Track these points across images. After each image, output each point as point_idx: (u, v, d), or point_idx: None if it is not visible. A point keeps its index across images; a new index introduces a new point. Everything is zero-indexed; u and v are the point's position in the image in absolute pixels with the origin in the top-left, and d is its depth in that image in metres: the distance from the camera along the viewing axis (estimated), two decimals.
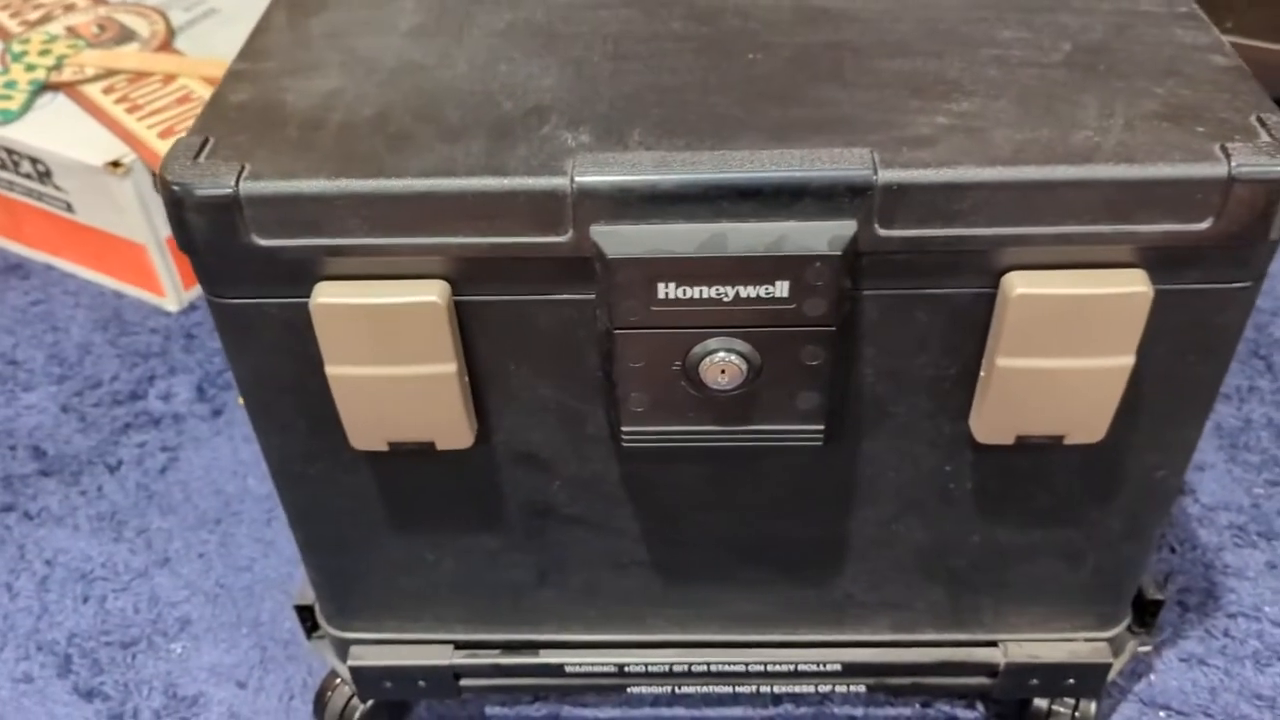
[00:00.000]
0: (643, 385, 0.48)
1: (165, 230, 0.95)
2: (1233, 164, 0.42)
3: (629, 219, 0.44)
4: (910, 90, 0.48)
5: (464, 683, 0.64)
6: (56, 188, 0.98)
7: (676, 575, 0.60)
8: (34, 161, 0.97)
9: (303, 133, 0.47)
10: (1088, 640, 0.62)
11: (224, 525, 0.83)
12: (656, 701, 0.71)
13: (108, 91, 1.00)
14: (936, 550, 0.58)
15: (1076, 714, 0.67)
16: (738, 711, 0.71)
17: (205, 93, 1.00)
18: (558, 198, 0.44)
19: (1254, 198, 0.43)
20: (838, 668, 0.62)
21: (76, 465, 0.88)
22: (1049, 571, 0.58)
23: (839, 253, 0.43)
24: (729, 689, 0.64)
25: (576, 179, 0.44)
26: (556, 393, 0.51)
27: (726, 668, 0.63)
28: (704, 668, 0.63)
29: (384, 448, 0.51)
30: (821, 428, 0.49)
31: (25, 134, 0.96)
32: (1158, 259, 0.45)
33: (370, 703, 0.69)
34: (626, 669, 0.63)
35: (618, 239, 0.44)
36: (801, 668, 0.63)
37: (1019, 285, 0.45)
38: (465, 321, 0.48)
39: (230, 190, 0.44)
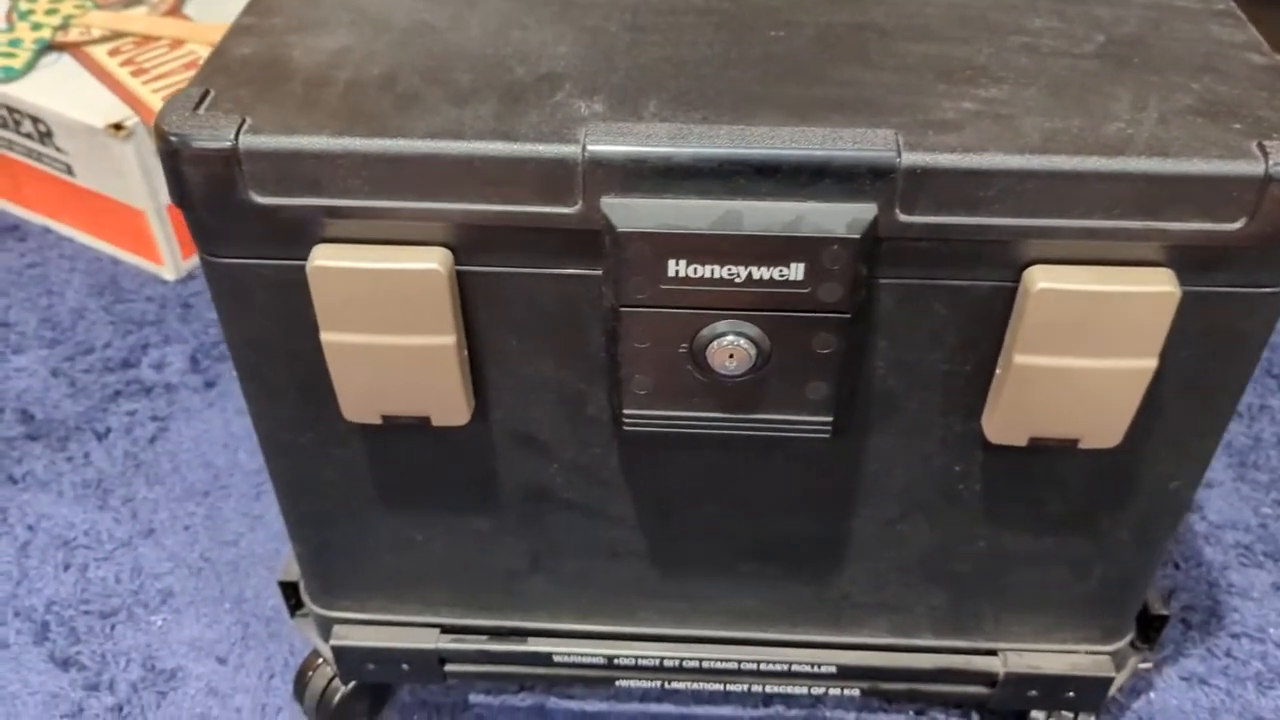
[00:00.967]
0: (647, 367, 0.46)
1: (165, 197, 0.94)
2: (1270, 163, 0.41)
3: (641, 192, 0.43)
4: (936, 74, 0.46)
5: (449, 668, 0.62)
6: (57, 149, 0.96)
7: (672, 566, 0.58)
8: (35, 121, 0.95)
9: (307, 89, 0.46)
10: (1090, 653, 0.60)
11: (211, 498, 0.81)
12: (645, 696, 0.70)
13: (114, 54, 0.99)
14: (940, 553, 0.56)
15: None
16: (728, 710, 0.69)
17: None
18: (568, 166, 0.42)
19: None
20: (833, 669, 0.61)
21: (64, 431, 0.86)
22: (1054, 580, 0.57)
23: (857, 236, 0.42)
24: (720, 687, 0.63)
25: (588, 148, 0.42)
26: (558, 371, 0.49)
27: (718, 664, 0.61)
28: (695, 664, 0.61)
29: (377, 420, 0.50)
30: (830, 419, 0.48)
31: (27, 93, 0.95)
32: (1186, 259, 0.43)
33: (352, 685, 0.67)
34: (616, 661, 0.61)
35: (628, 212, 0.42)
36: (795, 668, 0.61)
37: (1041, 279, 0.43)
38: (467, 293, 0.46)
39: (229, 143, 0.43)
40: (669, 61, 0.47)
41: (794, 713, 0.69)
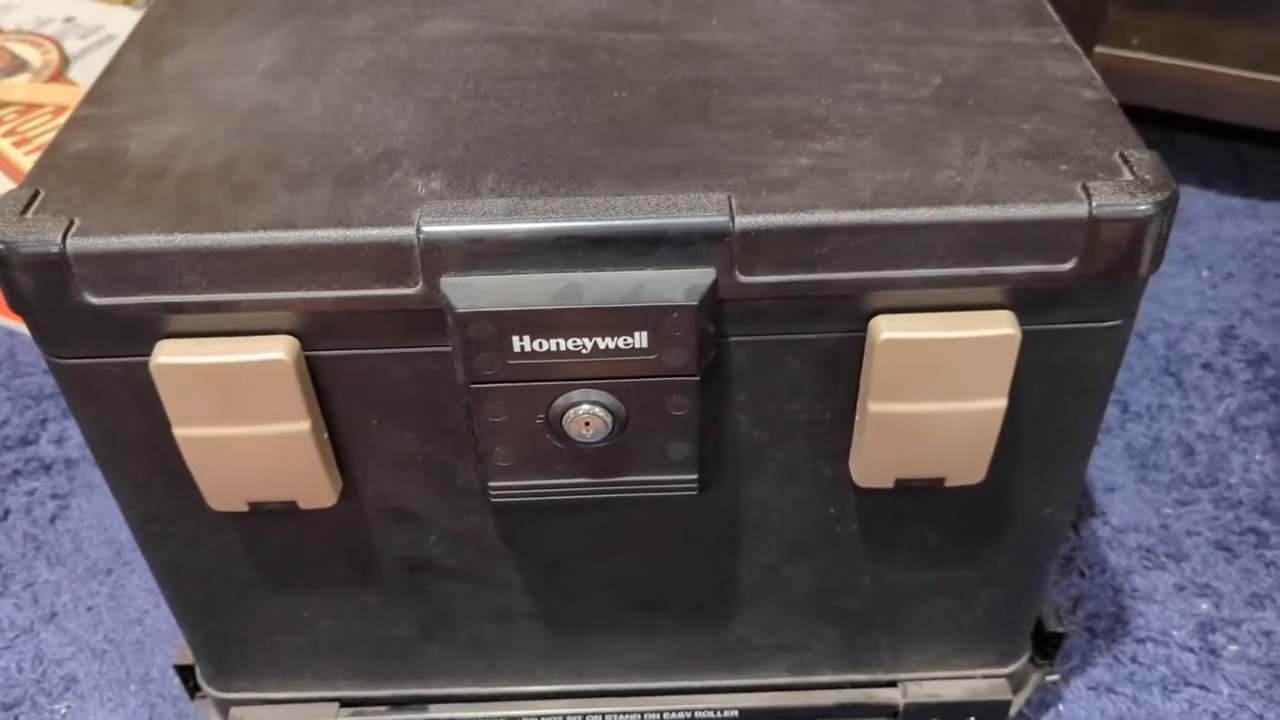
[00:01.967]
0: (506, 439, 0.46)
1: None
2: (1094, 203, 0.42)
3: (480, 269, 0.43)
4: (775, 129, 0.47)
5: None
6: None
7: (565, 625, 0.58)
8: None
9: (141, 183, 0.45)
10: (987, 677, 0.61)
11: (115, 575, 0.80)
12: None
13: None
14: (828, 592, 0.56)
15: None
16: None
17: None
18: (404, 249, 0.42)
19: (1117, 237, 0.42)
20: (735, 714, 0.61)
21: None
22: (943, 610, 0.57)
23: (696, 303, 0.42)
24: None
25: (423, 229, 0.42)
26: (422, 446, 0.49)
27: (621, 717, 0.61)
28: (598, 718, 0.61)
29: (244, 508, 0.49)
30: (695, 477, 0.48)
31: None
32: (1025, 300, 0.44)
33: None
34: None
35: (468, 291, 0.42)
36: (699, 714, 0.61)
37: (885, 329, 0.44)
38: (319, 377, 0.46)
39: (57, 248, 0.42)
40: (510, 130, 0.47)
41: None
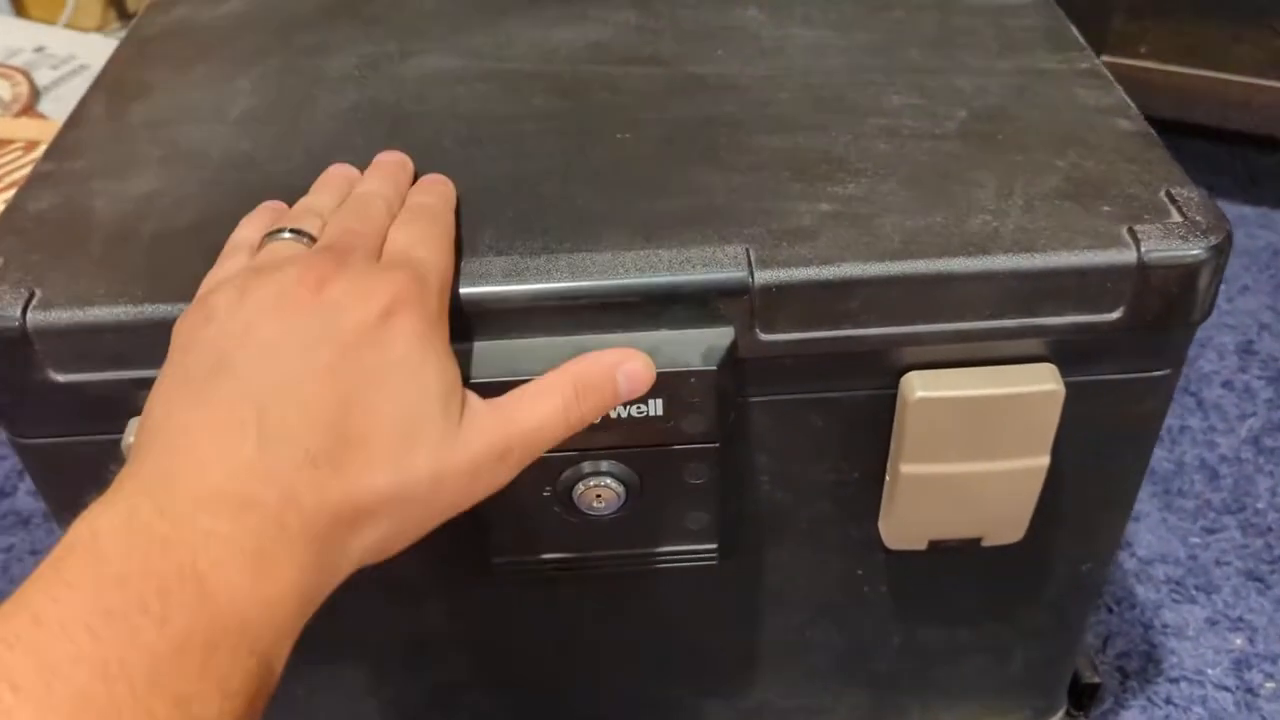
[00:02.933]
0: (511, 513, 0.43)
1: None
2: (1142, 249, 0.38)
3: (480, 334, 0.39)
4: (792, 171, 0.43)
5: None
6: None
7: (577, 692, 0.54)
8: None
9: (108, 247, 0.41)
10: None
11: None
12: None
13: None
14: (855, 653, 0.53)
15: None
16: None
17: None
18: None
19: (1167, 284, 0.39)
20: None
21: None
22: (976, 668, 0.54)
23: (714, 367, 0.38)
24: None
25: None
26: None
27: None
28: None
29: None
30: (714, 547, 0.44)
31: None
32: (1067, 351, 0.41)
33: None
34: None
35: (467, 360, 0.39)
36: None
37: (918, 388, 0.40)
38: None
39: (16, 323, 0.38)
40: (507, 179, 0.44)
41: None
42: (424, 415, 0.34)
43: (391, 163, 0.43)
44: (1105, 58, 1.06)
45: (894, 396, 0.42)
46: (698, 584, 0.49)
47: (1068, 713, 0.60)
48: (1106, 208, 0.40)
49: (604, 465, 0.41)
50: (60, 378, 0.40)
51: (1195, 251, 0.38)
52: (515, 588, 0.49)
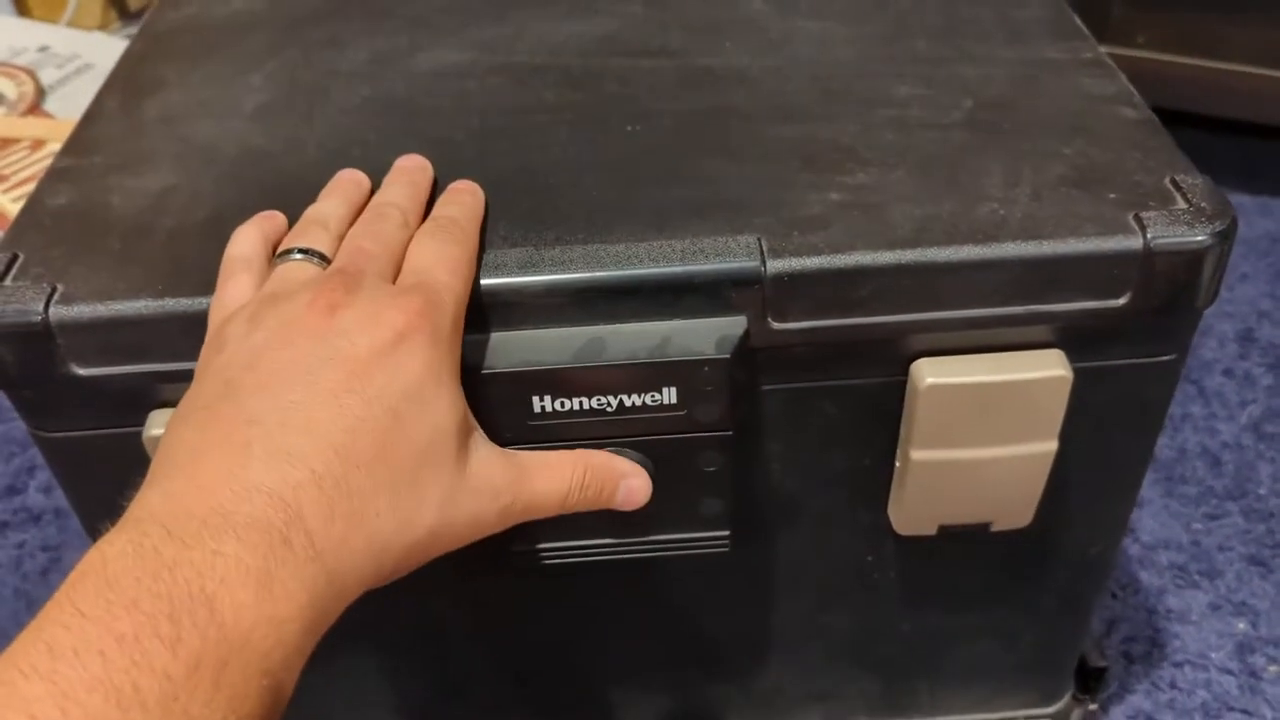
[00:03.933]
0: None
1: None
2: (1148, 235, 0.39)
3: (495, 325, 0.40)
4: (801, 161, 0.44)
5: None
6: None
7: (591, 680, 0.55)
8: None
9: (127, 242, 0.42)
10: (1030, 717, 0.58)
11: None
12: None
13: None
14: (866, 639, 0.54)
15: None
16: None
17: None
18: None
19: (1173, 270, 0.39)
20: None
21: None
22: (985, 652, 0.55)
23: (728, 355, 0.39)
24: None
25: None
26: None
27: None
28: None
29: None
30: (727, 534, 0.45)
31: None
32: (1075, 337, 0.41)
33: None
34: None
35: (483, 350, 0.39)
36: None
37: (928, 374, 0.41)
38: None
39: (39, 318, 0.39)
40: (520, 172, 0.44)
41: None
42: (436, 456, 0.34)
43: (412, 168, 0.43)
44: (1104, 47, 1.07)
45: (904, 383, 0.42)
46: (710, 570, 0.49)
47: (1074, 696, 0.60)
48: (1112, 195, 0.41)
49: (621, 453, 0.42)
50: (82, 371, 0.40)
51: (1200, 237, 0.39)
52: (529, 576, 0.49)
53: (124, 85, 0.52)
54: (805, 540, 0.48)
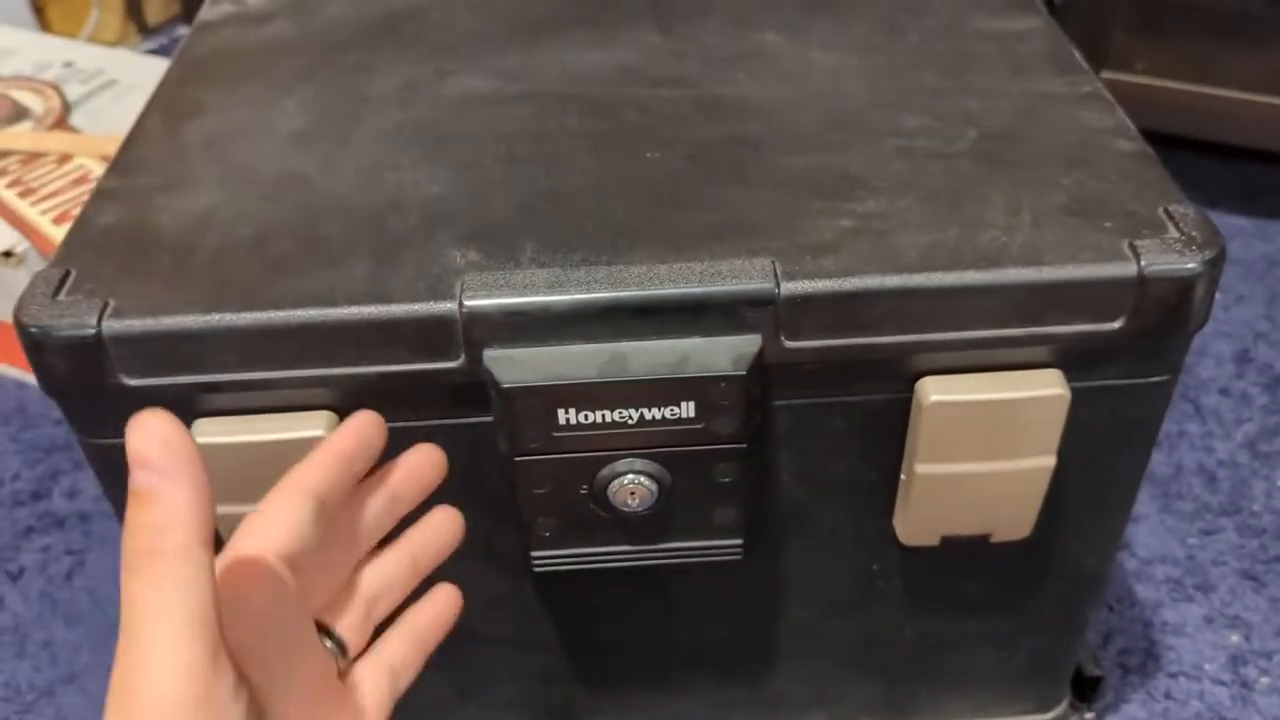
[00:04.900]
0: (550, 510, 0.45)
1: None
2: (1142, 263, 0.41)
3: (523, 342, 0.42)
4: (812, 189, 0.46)
5: None
6: None
7: (604, 683, 0.57)
8: None
9: (174, 259, 0.44)
10: None
11: None
12: None
13: None
14: (868, 645, 0.56)
15: None
16: None
17: (102, 172, 0.96)
18: (445, 323, 0.41)
19: (1165, 296, 0.42)
20: None
21: None
22: (984, 659, 0.57)
23: (744, 372, 0.41)
24: None
25: (465, 303, 0.41)
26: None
27: None
28: None
29: None
30: (740, 542, 0.47)
31: None
32: (1073, 358, 0.44)
33: None
34: None
35: (512, 365, 0.42)
36: None
37: (933, 392, 0.43)
38: None
39: (93, 331, 0.41)
40: (546, 195, 0.47)
41: None
42: None
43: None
44: (1105, 74, 1.10)
45: (910, 400, 0.44)
46: (721, 578, 0.52)
47: (1070, 704, 0.63)
48: (1108, 224, 0.43)
49: (638, 464, 0.44)
50: (131, 382, 0.42)
51: (1191, 265, 0.41)
52: (548, 582, 0.51)
53: (164, 108, 0.54)
54: (813, 549, 0.50)
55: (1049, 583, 0.53)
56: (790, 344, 0.42)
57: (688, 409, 0.42)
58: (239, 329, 0.41)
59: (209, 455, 0.43)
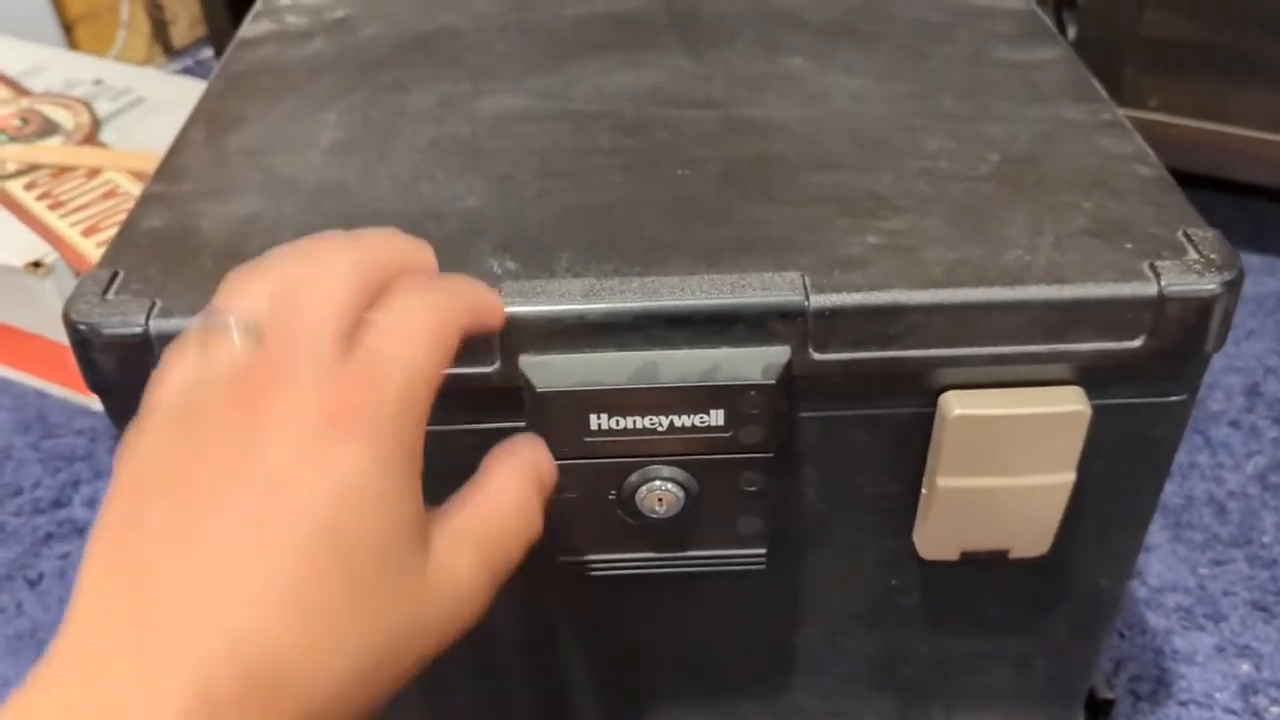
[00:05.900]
0: (577, 515, 0.46)
1: None
2: (1162, 283, 0.42)
3: (558, 349, 0.43)
4: (840, 206, 0.47)
5: None
6: None
7: (618, 692, 0.58)
8: None
9: (218, 262, 0.45)
10: None
11: None
12: None
13: (29, 188, 0.98)
14: (885, 661, 0.56)
15: None
16: None
17: (131, 187, 0.98)
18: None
19: (1184, 315, 0.43)
20: None
21: None
22: (1000, 677, 0.57)
23: (773, 381, 0.42)
24: None
25: (504, 309, 0.42)
26: None
27: None
28: None
29: None
30: (763, 551, 0.48)
31: None
32: (1094, 376, 0.45)
33: None
34: None
35: (547, 370, 0.43)
36: None
37: (956, 406, 0.44)
38: None
39: (141, 329, 0.42)
40: (580, 208, 0.48)
41: None
42: (391, 562, 0.29)
43: (389, 235, 0.36)
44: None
45: (933, 414, 0.45)
46: (741, 588, 0.52)
47: None
48: (1129, 245, 0.44)
49: (665, 471, 0.45)
50: None
51: (1210, 286, 0.42)
52: (569, 587, 0.52)
53: (207, 120, 0.56)
54: (833, 561, 0.51)
55: (1065, 601, 0.53)
56: (818, 356, 0.43)
57: (717, 417, 0.43)
58: None
59: None
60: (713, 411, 0.43)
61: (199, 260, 0.46)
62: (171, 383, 0.32)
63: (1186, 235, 0.45)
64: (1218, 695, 0.74)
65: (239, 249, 0.46)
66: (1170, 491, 0.88)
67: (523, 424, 0.45)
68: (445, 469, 0.46)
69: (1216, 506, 0.87)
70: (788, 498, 0.48)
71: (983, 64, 0.58)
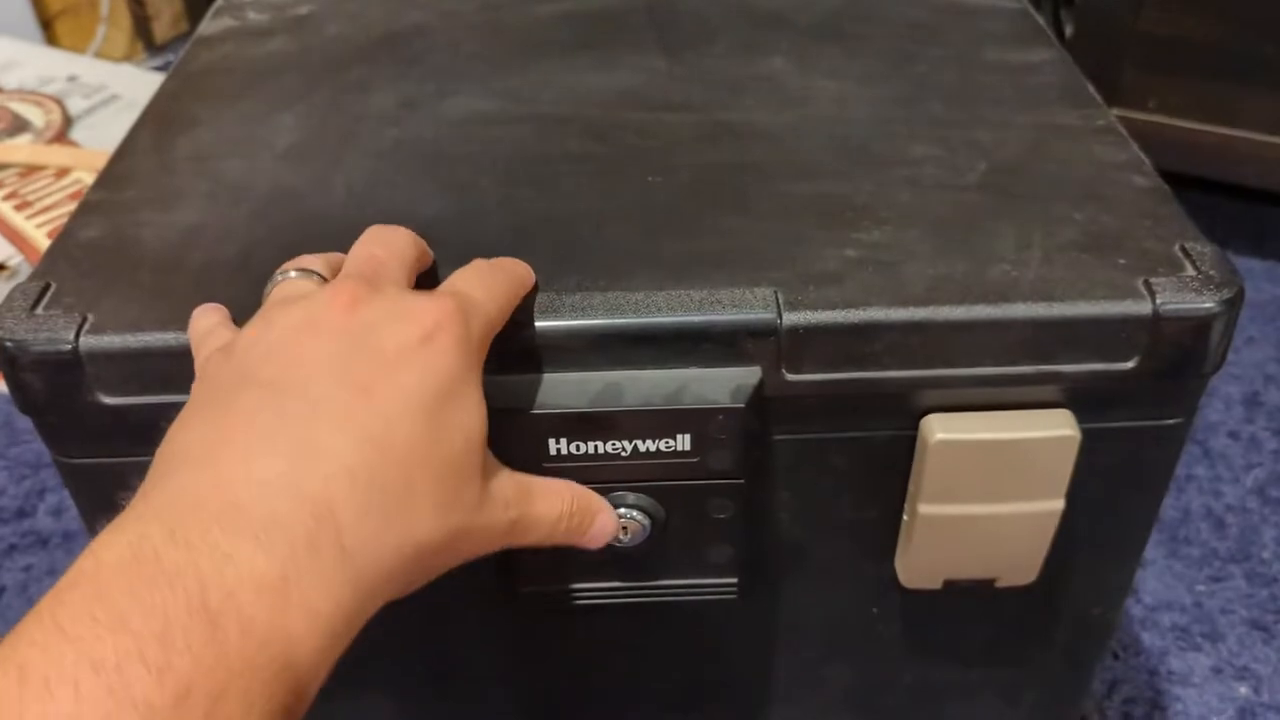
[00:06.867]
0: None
1: None
2: (1157, 301, 0.40)
3: (514, 368, 0.41)
4: (817, 217, 0.45)
5: None
6: None
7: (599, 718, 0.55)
8: None
9: (156, 276, 0.43)
10: None
11: None
12: None
13: None
14: (867, 691, 0.54)
15: None
16: None
17: None
18: None
19: (1181, 335, 0.40)
20: None
21: None
22: (987, 708, 0.55)
23: (742, 405, 0.40)
24: None
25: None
26: None
27: None
28: None
29: None
30: (735, 581, 0.45)
31: None
32: (1084, 399, 0.42)
33: None
34: None
35: (504, 391, 0.40)
36: None
37: (938, 430, 0.42)
38: None
39: (69, 346, 0.40)
40: (543, 219, 0.45)
41: None
42: (467, 467, 0.33)
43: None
44: (1115, 111, 1.09)
45: (914, 438, 0.43)
46: (716, 617, 0.50)
47: None
48: (1122, 260, 0.42)
49: (631, 498, 0.42)
50: (108, 400, 0.41)
51: (1208, 304, 0.40)
52: (536, 617, 0.49)
53: (157, 122, 0.53)
54: (811, 590, 0.49)
55: (1055, 631, 0.51)
56: (791, 377, 0.41)
57: (683, 441, 0.41)
58: None
59: None
60: (679, 436, 0.40)
61: (136, 274, 0.43)
62: (218, 341, 0.36)
63: (1184, 250, 0.42)
64: (1215, 719, 0.71)
65: (179, 261, 0.44)
66: (1167, 505, 0.85)
67: None
68: None
69: (1214, 521, 0.84)
70: (761, 524, 0.46)
71: (972, 66, 0.55)
